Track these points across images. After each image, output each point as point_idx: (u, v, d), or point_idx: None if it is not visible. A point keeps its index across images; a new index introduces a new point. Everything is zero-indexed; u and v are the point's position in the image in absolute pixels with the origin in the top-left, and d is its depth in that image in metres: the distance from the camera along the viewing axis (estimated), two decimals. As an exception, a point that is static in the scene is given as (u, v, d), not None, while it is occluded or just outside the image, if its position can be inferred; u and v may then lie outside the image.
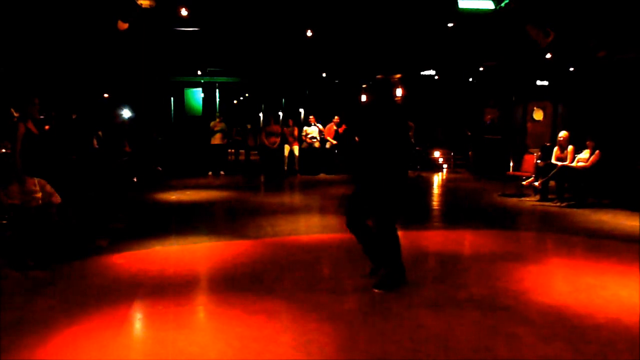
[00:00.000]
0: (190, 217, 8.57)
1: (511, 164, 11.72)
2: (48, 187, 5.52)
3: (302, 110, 22.64)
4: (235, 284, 4.93)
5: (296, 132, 14.79)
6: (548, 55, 12.70)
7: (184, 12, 11.01)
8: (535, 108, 15.87)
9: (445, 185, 13.50)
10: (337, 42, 14.22)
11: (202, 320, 4.26)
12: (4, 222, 5.67)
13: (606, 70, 12.40)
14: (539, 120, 15.86)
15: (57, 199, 5.57)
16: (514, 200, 10.29)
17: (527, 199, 10.30)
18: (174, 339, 3.73)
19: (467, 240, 7.10)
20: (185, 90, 17.95)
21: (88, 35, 11.09)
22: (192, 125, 17.07)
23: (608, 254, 6.11)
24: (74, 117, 10.36)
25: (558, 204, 9.59)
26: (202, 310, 4.48)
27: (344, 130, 15.24)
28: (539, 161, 10.64)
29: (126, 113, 14.74)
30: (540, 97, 16.00)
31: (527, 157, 11.31)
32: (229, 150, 15.46)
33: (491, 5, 9.68)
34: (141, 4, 9.61)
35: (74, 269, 5.42)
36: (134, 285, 4.90)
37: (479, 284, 5.01)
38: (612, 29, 10.12)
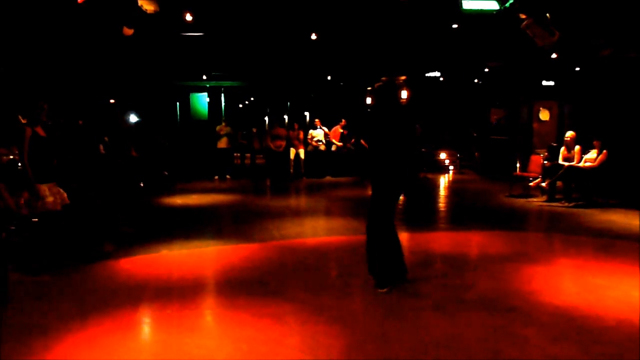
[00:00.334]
0: (196, 221, 8.59)
1: (518, 164, 11.67)
2: (60, 191, 5.55)
3: (307, 113, 22.67)
4: (242, 288, 4.94)
5: (302, 135, 14.80)
6: (554, 55, 12.64)
7: (188, 17, 11.05)
8: (541, 108, 15.80)
9: (452, 187, 13.47)
10: (342, 44, 14.22)
11: (209, 324, 4.27)
12: (12, 227, 5.70)
13: (612, 69, 12.33)
14: (545, 121, 15.78)
15: (65, 200, 5.60)
16: (521, 201, 10.25)
17: (535, 199, 10.25)
18: (182, 342, 3.74)
19: (475, 242, 7.07)
20: (190, 95, 18.02)
21: (94, 42, 11.16)
22: (197, 129, 17.13)
23: (617, 254, 6.06)
24: (80, 123, 10.43)
25: (565, 204, 9.54)
26: (209, 313, 4.49)
27: (349, 134, 15.26)
28: (545, 162, 10.59)
29: (132, 118, 14.82)
30: (546, 97, 15.92)
31: (533, 157, 11.26)
32: (235, 154, 15.49)
33: (495, 6, 9.64)
34: (146, 10, 9.65)
35: (82, 274, 5.44)
36: (141, 289, 4.92)
37: (486, 285, 4.99)
38: (618, 28, 10.06)
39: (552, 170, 9.95)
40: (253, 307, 4.38)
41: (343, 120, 15.55)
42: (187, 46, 13.78)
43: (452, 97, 18.05)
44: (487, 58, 15.53)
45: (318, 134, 15.33)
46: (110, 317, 4.22)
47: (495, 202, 10.28)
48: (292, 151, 14.44)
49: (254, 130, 16.90)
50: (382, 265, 4.78)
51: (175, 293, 4.79)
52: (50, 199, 5.38)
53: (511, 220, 8.61)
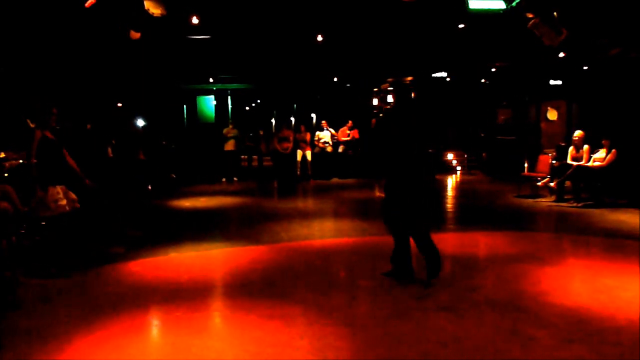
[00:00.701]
0: (204, 224, 8.62)
1: (526, 164, 11.60)
2: (71, 194, 5.59)
3: (314, 115, 22.67)
4: (251, 290, 4.94)
5: (308, 137, 14.81)
6: (561, 54, 12.58)
7: (195, 20, 11.10)
8: (549, 108, 15.70)
9: (460, 187, 13.42)
10: (348, 46, 14.22)
11: (218, 326, 4.28)
12: (22, 231, 5.74)
13: (621, 68, 12.24)
14: (553, 120, 15.70)
15: (77, 205, 5.64)
16: (530, 201, 10.19)
17: (543, 199, 10.19)
18: (190, 344, 3.75)
19: (483, 242, 7.04)
20: (197, 98, 18.07)
21: (101, 45, 11.22)
22: (204, 132, 17.18)
23: (627, 255, 6.01)
24: (88, 127, 10.48)
25: (574, 204, 9.48)
26: (218, 315, 4.50)
27: (362, 136, 15.27)
28: (554, 161, 10.53)
29: (139, 122, 14.88)
30: (554, 96, 15.83)
31: (541, 157, 11.20)
32: (242, 157, 15.53)
33: (502, 5, 9.60)
34: (153, 13, 9.69)
35: (91, 277, 5.47)
36: (150, 292, 4.94)
37: (495, 286, 4.97)
38: (626, 26, 9.99)
39: (560, 170, 9.90)
40: (261, 309, 4.38)
41: (349, 121, 15.56)
42: (194, 49, 13.83)
43: (459, 98, 17.99)
44: (494, 58, 15.47)
45: (325, 135, 15.34)
46: (119, 319, 4.24)
47: (504, 203, 10.23)
48: (299, 153, 14.45)
49: (261, 132, 16.94)
50: (430, 257, 4.87)
51: (183, 295, 4.81)
52: (62, 202, 5.42)
53: (519, 221, 8.56)
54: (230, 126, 14.89)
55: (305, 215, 9.24)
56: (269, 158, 15.62)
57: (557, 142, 13.59)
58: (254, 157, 15.99)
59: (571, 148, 10.05)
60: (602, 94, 13.25)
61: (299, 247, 6.69)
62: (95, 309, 4.49)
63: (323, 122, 15.69)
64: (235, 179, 14.55)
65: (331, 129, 15.55)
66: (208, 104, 18.15)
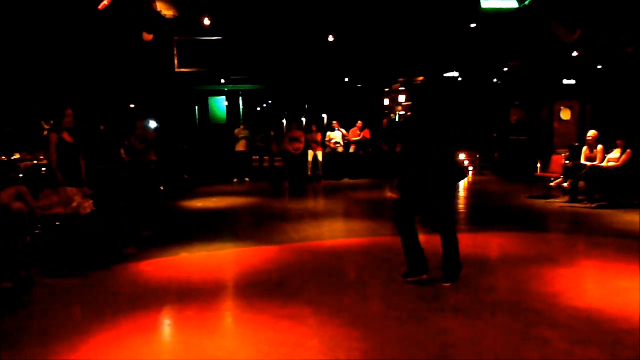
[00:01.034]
0: (216, 224, 8.65)
1: (538, 164, 11.50)
2: (83, 195, 5.65)
3: (325, 116, 22.69)
4: (262, 289, 4.96)
5: (319, 138, 14.81)
6: (574, 53, 12.46)
7: (206, 21, 11.16)
8: (562, 107, 15.56)
9: (472, 188, 13.34)
10: (359, 46, 14.21)
11: (229, 326, 4.29)
12: (36, 231, 5.82)
13: (636, 67, 12.10)
14: (566, 120, 15.55)
15: (90, 206, 5.70)
16: (543, 201, 10.10)
17: (556, 200, 10.09)
18: (202, 344, 3.77)
19: (496, 243, 6.99)
20: (209, 99, 18.17)
21: (114, 47, 11.32)
22: (216, 132, 17.25)
23: (642, 255, 5.93)
24: (102, 128, 10.58)
25: (588, 204, 9.38)
26: (229, 315, 4.52)
27: (372, 138, 15.24)
28: (567, 161, 10.43)
29: (151, 123, 14.97)
30: (567, 96, 15.69)
31: (554, 157, 11.09)
32: (253, 157, 15.57)
33: (514, 4, 9.53)
34: (165, 15, 9.77)
35: (103, 276, 5.52)
36: (162, 292, 4.97)
37: (507, 287, 4.94)
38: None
39: (573, 170, 9.80)
40: (272, 308, 4.39)
41: (359, 122, 15.54)
42: (206, 50, 13.89)
43: (471, 97, 17.89)
44: (506, 57, 15.37)
45: (336, 135, 15.34)
46: (131, 318, 4.27)
47: (516, 203, 10.15)
48: (310, 153, 14.46)
49: (272, 133, 16.98)
50: (452, 259, 4.93)
51: (195, 295, 4.83)
52: (75, 202, 5.48)
53: (532, 222, 8.49)
54: (242, 127, 14.94)
55: (316, 216, 9.24)
56: (280, 158, 15.65)
57: (570, 142, 13.47)
58: (265, 157, 16.03)
59: (585, 148, 9.95)
60: (616, 93, 13.11)
61: (310, 247, 6.70)
62: (107, 308, 4.53)
63: (334, 122, 15.69)
64: (246, 179, 14.59)
65: (342, 129, 15.54)
66: (219, 104, 18.23)
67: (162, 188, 10.94)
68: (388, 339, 3.76)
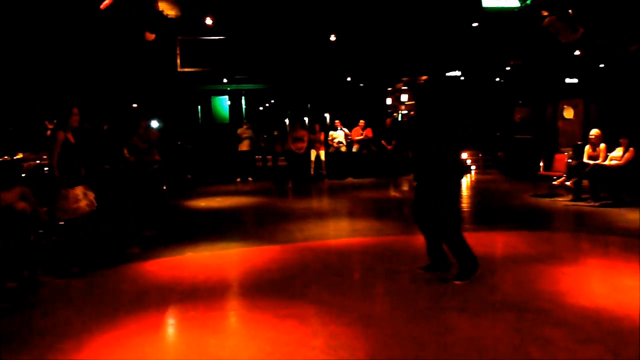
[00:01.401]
0: (220, 224, 8.66)
1: (542, 163, 11.48)
2: (90, 195, 5.66)
3: (327, 115, 22.69)
4: (266, 289, 4.96)
5: (322, 137, 14.81)
6: (577, 52, 12.43)
7: (209, 21, 11.17)
8: (565, 106, 15.53)
9: (475, 187, 13.32)
10: (361, 45, 14.20)
11: (233, 325, 4.30)
12: (40, 231, 5.84)
13: (638, 65, 12.05)
14: (569, 119, 15.52)
15: (94, 203, 5.71)
16: (547, 200, 10.08)
17: (560, 199, 10.07)
18: (207, 343, 3.78)
19: (500, 242, 6.98)
20: (212, 98, 18.18)
21: (117, 47, 11.34)
22: (219, 132, 17.26)
23: (646, 254, 5.91)
24: (105, 127, 10.60)
25: (592, 203, 9.36)
26: (233, 315, 4.52)
27: (374, 136, 15.22)
28: (570, 160, 10.40)
29: (154, 123, 15.00)
30: (571, 94, 15.65)
31: (558, 156, 11.07)
32: (257, 157, 15.57)
33: (516, 3, 9.51)
34: (168, 15, 9.78)
35: (108, 276, 5.54)
36: (166, 291, 4.98)
37: (512, 285, 4.93)
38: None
39: (577, 169, 9.78)
40: (276, 308, 4.40)
41: (361, 121, 15.53)
42: (209, 50, 13.91)
43: (474, 97, 17.86)
44: (509, 56, 15.34)
45: (339, 135, 15.33)
46: (136, 318, 4.28)
47: (520, 202, 10.14)
48: (313, 153, 14.46)
49: (276, 132, 16.98)
50: (459, 259, 4.95)
51: (199, 294, 4.84)
52: (83, 202, 5.50)
53: (537, 220, 8.48)
54: (245, 126, 14.95)
55: (320, 215, 9.24)
56: (283, 158, 15.65)
57: (574, 140, 13.43)
58: (268, 157, 16.04)
59: (587, 147, 9.93)
60: (620, 92, 13.07)
61: (314, 247, 6.70)
62: (112, 308, 4.54)
63: (337, 121, 15.68)
64: (250, 179, 14.60)
65: (345, 129, 15.54)
66: (223, 104, 18.25)
67: (165, 188, 10.98)
68: (392, 339, 3.76)
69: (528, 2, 9.33)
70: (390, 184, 13.40)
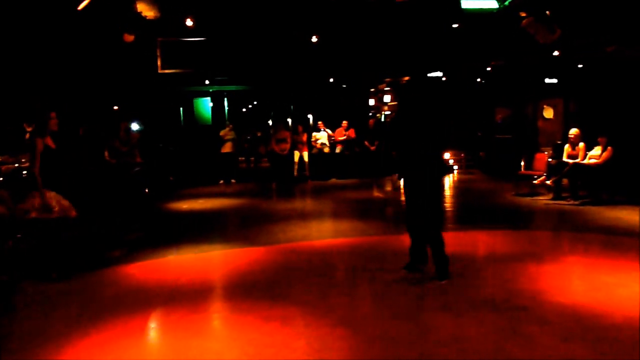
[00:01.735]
0: (202, 226, 8.60)
1: (522, 163, 11.61)
2: (64, 201, 5.58)
3: (310, 116, 22.69)
4: (249, 291, 4.94)
5: (305, 138, 14.81)
6: (556, 53, 12.60)
7: (189, 22, 11.08)
8: (545, 106, 15.73)
9: (457, 186, 13.43)
10: (343, 47, 14.22)
11: (216, 328, 4.27)
12: (19, 235, 5.73)
13: (616, 66, 12.27)
14: (549, 119, 15.72)
15: (72, 212, 5.62)
16: (528, 199, 10.20)
17: (541, 198, 10.20)
18: (189, 346, 3.74)
19: (482, 241, 7.04)
20: (194, 100, 18.05)
21: (95, 49, 11.20)
22: (202, 134, 17.15)
23: (625, 252, 6.01)
24: (81, 132, 10.46)
25: (572, 202, 9.49)
26: (216, 317, 4.49)
27: (357, 137, 15.26)
28: (550, 159, 10.54)
29: (134, 126, 14.85)
30: (550, 94, 15.86)
31: (538, 155, 11.21)
32: (240, 158, 15.50)
33: (495, 4, 9.62)
34: (146, 16, 9.68)
35: (90, 280, 5.46)
36: (149, 295, 4.93)
37: (494, 284, 4.97)
38: (622, 23, 10.00)
39: (557, 168, 9.91)
40: (260, 310, 4.38)
41: (344, 121, 15.56)
42: (189, 51, 13.81)
43: (455, 97, 17.99)
44: (489, 57, 15.48)
45: (322, 136, 15.34)
46: (118, 321, 4.23)
47: (502, 201, 10.24)
48: (296, 154, 14.45)
49: (259, 134, 16.93)
50: (440, 258, 4.99)
51: (182, 297, 4.80)
52: (56, 207, 5.42)
53: (518, 219, 8.57)
54: (228, 128, 14.88)
55: (304, 216, 9.23)
56: (266, 159, 15.60)
57: (554, 140, 13.60)
58: (252, 158, 15.98)
59: (567, 146, 10.07)
60: (598, 92, 13.28)
61: (298, 248, 6.69)
62: (93, 311, 4.48)
63: (320, 122, 15.68)
64: (233, 180, 14.54)
65: (328, 130, 15.55)
66: (205, 106, 18.13)
67: (147, 190, 10.87)
68: (375, 339, 3.76)
69: (507, 3, 9.43)
70: (374, 184, 13.44)
